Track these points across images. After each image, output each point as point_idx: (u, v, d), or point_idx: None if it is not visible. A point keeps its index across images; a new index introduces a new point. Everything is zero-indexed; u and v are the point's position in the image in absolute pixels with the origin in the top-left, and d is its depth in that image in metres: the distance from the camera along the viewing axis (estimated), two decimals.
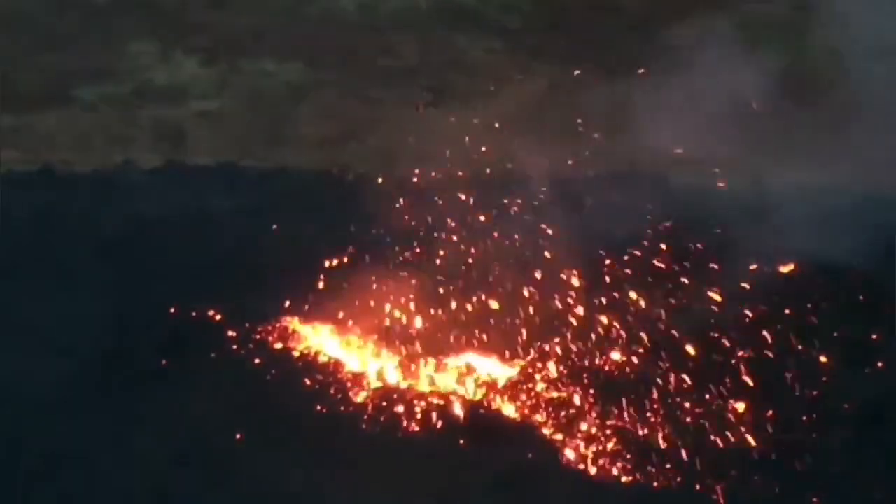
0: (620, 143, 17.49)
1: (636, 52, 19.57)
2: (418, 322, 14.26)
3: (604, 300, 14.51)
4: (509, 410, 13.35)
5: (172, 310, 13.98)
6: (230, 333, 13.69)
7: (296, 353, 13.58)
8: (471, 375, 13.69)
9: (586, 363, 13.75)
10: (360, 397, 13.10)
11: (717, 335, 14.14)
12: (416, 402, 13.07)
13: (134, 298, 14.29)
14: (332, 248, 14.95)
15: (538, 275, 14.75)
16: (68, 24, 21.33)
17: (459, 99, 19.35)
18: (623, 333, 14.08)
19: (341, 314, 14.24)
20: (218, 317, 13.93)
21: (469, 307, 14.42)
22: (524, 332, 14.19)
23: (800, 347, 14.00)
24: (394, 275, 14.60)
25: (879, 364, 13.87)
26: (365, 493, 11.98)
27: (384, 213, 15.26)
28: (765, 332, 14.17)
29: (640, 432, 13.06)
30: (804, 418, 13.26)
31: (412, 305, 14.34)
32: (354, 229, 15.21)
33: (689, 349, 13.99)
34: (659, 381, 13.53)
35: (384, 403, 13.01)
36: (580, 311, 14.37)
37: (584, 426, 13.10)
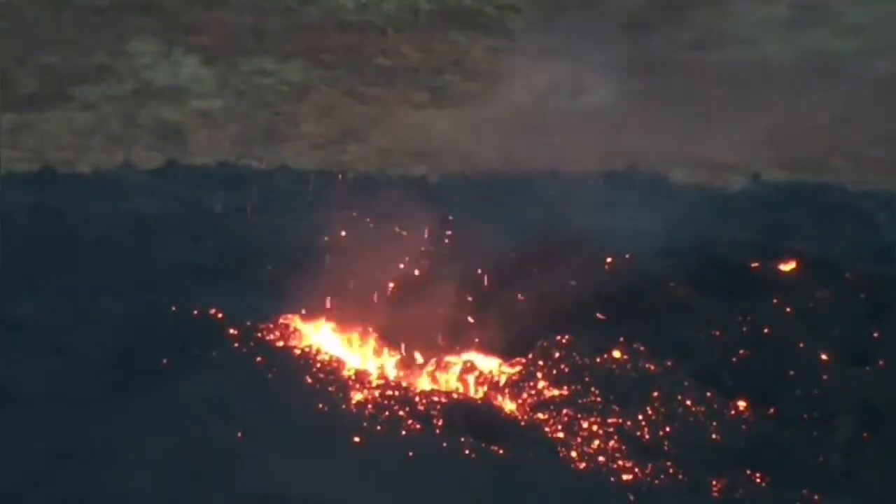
0: (620, 141, 17.53)
1: (636, 51, 19.61)
2: (419, 320, 14.25)
3: (604, 299, 14.51)
4: (510, 409, 13.34)
5: (173, 309, 13.96)
6: (230, 332, 13.68)
7: (296, 352, 13.57)
8: (472, 374, 13.68)
9: (587, 361, 13.75)
10: (360, 396, 13.10)
11: (717, 333, 14.15)
12: (416, 400, 13.06)
13: (134, 298, 14.28)
14: (332, 247, 14.95)
15: (539, 273, 14.77)
16: (68, 24, 21.34)
17: (459, 99, 19.37)
18: (623, 332, 14.08)
19: (342, 313, 14.24)
20: (218, 316, 13.93)
21: (470, 305, 14.41)
22: (525, 330, 14.18)
23: (800, 346, 14.00)
24: (394, 273, 14.60)
25: (880, 363, 13.88)
26: (365, 492, 11.97)
27: (384, 213, 15.26)
28: (765, 331, 14.18)
29: (641, 431, 13.06)
30: (804, 417, 13.27)
31: (413, 304, 14.34)
32: (354, 229, 15.21)
33: (689, 348, 14.00)
34: (660, 379, 13.53)
35: (385, 402, 13.00)
36: (581, 309, 14.37)
37: (584, 424, 13.10)
